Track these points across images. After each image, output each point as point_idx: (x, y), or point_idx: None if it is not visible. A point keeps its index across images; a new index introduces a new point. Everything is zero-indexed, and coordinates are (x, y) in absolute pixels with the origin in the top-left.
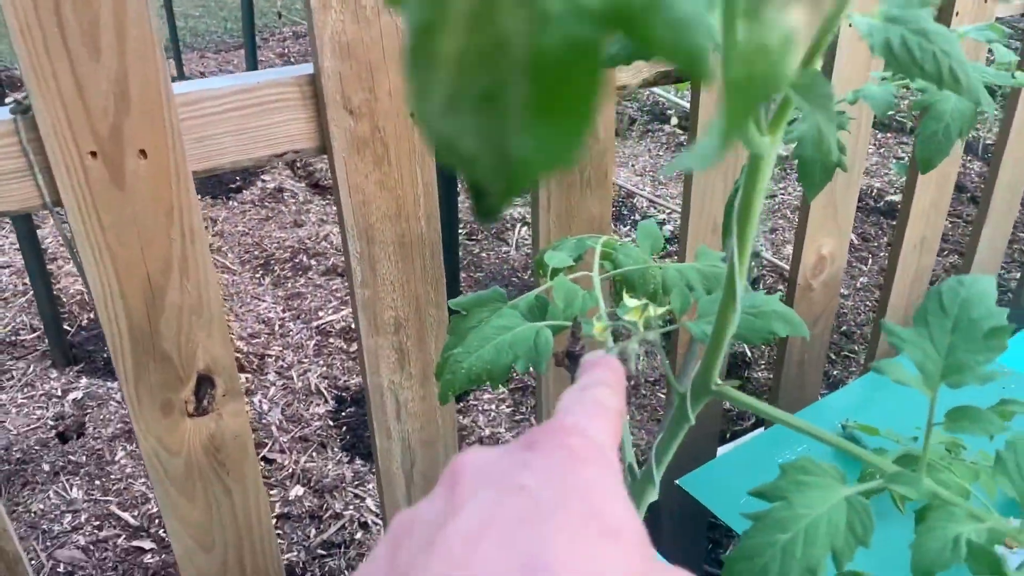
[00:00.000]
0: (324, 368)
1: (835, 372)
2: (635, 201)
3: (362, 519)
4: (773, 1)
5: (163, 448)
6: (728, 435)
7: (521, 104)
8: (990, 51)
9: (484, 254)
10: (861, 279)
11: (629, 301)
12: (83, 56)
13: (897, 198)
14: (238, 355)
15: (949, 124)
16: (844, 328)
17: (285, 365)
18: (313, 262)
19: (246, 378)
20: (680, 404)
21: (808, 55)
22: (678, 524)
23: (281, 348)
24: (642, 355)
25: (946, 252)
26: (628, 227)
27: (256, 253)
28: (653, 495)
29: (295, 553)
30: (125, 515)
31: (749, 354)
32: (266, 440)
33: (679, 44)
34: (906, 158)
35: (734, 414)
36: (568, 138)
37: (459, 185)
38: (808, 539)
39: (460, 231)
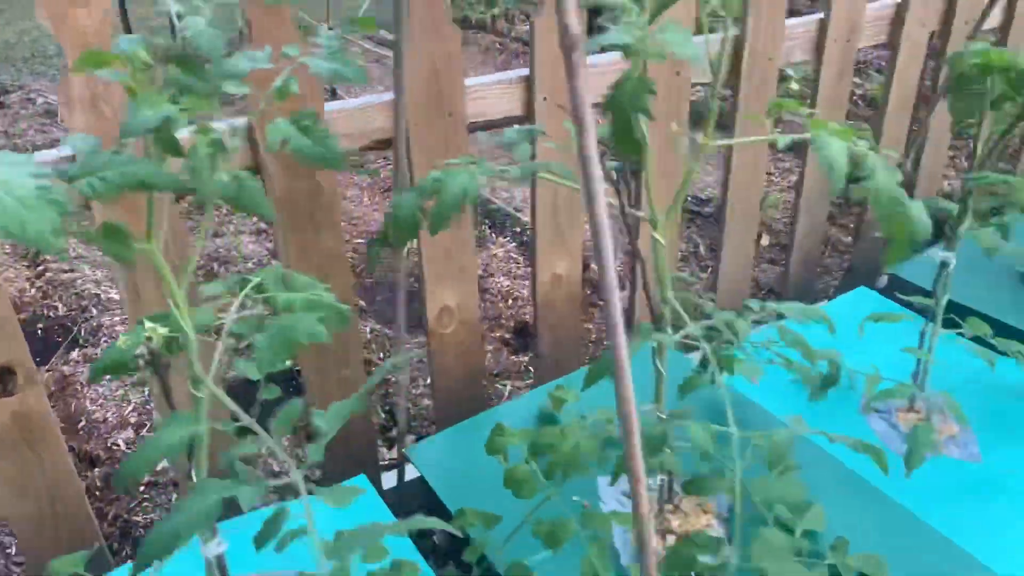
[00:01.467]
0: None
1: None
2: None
3: None
4: None
5: None
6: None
7: None
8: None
9: (382, 261)
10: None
11: (148, 327)
12: None
13: None
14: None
15: (449, 202)
16: None
17: None
18: (222, 269)
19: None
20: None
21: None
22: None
23: None
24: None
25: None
26: (507, 238)
27: (176, 262)
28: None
29: (156, 514)
30: None
31: None
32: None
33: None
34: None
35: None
36: None
37: None
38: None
39: (359, 240)
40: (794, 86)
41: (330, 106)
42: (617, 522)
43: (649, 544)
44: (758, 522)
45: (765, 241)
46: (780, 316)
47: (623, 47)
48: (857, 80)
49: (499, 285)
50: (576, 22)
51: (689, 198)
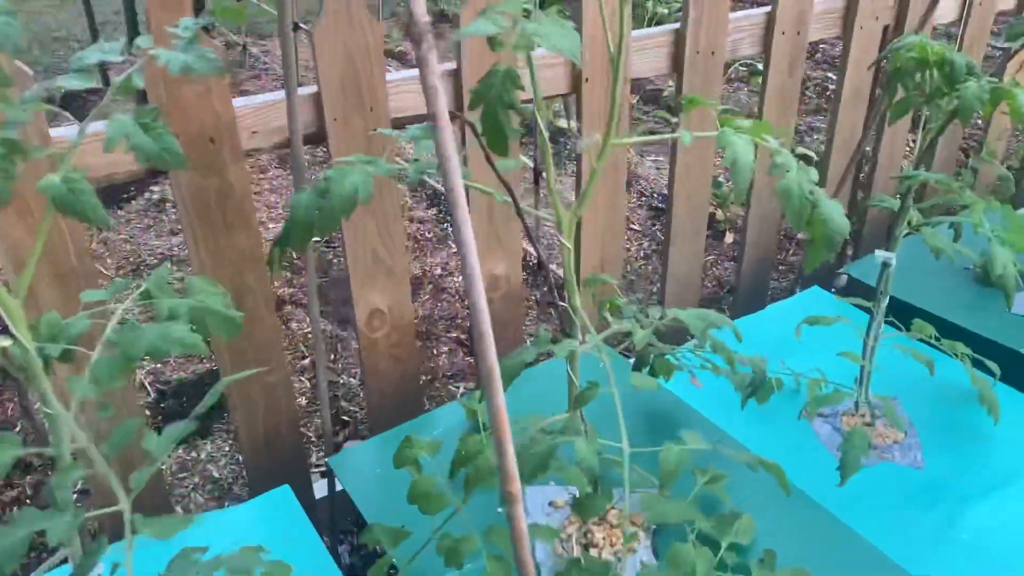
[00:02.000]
0: (156, 365)
1: None
2: None
3: None
4: None
5: None
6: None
7: None
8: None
9: (336, 260)
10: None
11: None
12: None
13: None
14: None
15: (339, 202)
16: None
17: None
18: (175, 268)
19: None
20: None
21: None
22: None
23: None
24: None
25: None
26: None
27: (132, 259)
28: None
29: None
30: None
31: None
32: None
33: None
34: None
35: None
36: None
37: None
38: None
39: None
40: None
41: (237, 102)
42: (535, 535)
43: (527, 566)
44: (682, 536)
45: (730, 239)
46: (676, 320)
47: (488, 38)
48: (834, 76)
49: (457, 285)
50: (423, 11)
51: (656, 195)
